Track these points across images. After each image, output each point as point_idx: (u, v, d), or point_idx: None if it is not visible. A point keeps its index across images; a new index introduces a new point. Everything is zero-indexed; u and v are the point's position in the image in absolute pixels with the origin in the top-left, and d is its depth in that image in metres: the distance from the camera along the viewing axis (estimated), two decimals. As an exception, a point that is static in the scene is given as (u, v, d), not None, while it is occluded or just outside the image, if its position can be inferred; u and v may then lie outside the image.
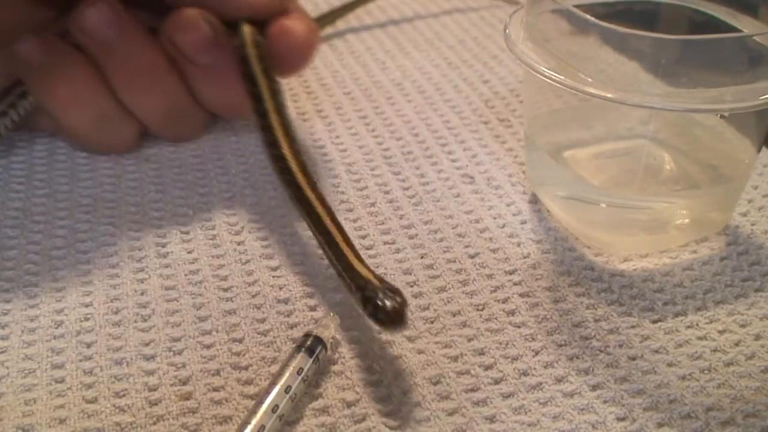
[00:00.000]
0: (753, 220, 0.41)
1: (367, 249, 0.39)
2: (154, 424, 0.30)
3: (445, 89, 0.53)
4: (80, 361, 0.32)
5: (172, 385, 0.31)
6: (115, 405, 0.30)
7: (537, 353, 0.33)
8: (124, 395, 0.31)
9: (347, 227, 0.40)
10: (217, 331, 0.34)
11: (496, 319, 0.35)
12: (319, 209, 0.36)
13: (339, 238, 0.34)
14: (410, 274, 0.37)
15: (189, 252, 0.38)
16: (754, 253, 0.38)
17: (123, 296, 0.36)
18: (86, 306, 0.35)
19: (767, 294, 0.36)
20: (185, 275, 0.37)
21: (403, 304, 0.30)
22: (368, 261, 0.38)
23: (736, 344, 0.34)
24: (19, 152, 0.46)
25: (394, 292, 0.31)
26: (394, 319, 0.30)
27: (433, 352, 0.33)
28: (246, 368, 0.32)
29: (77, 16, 0.41)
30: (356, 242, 0.39)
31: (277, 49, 0.42)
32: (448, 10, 0.64)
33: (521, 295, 0.36)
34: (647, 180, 0.40)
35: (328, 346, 0.32)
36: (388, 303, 0.30)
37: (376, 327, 0.32)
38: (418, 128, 0.48)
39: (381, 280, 0.32)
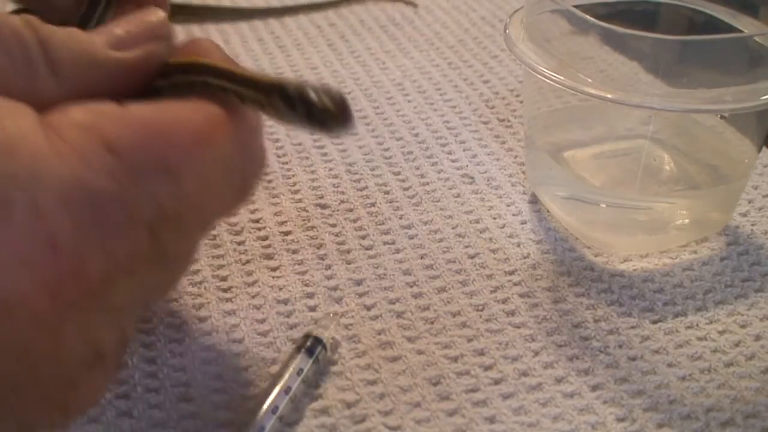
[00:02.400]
0: (753, 221, 0.41)
1: (367, 249, 0.39)
2: (155, 426, 0.30)
3: (445, 89, 0.53)
4: (80, 361, 0.32)
5: (172, 386, 0.31)
6: (117, 407, 0.30)
7: (537, 354, 0.33)
8: (124, 396, 0.31)
9: (347, 227, 0.40)
10: (216, 332, 0.34)
11: (496, 319, 0.35)
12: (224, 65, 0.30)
13: (247, 73, 0.29)
14: (410, 274, 0.37)
15: (189, 252, 0.38)
16: (754, 253, 0.38)
17: (123, 297, 0.36)
18: (86, 306, 0.35)
19: (767, 294, 0.36)
20: (185, 276, 0.37)
21: (342, 96, 0.26)
22: (368, 261, 0.38)
23: (736, 345, 0.34)
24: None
25: (326, 88, 0.27)
26: (338, 114, 0.26)
27: (433, 353, 0.33)
28: (246, 369, 0.32)
29: None
30: (356, 242, 0.39)
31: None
32: (448, 11, 0.64)
33: (521, 296, 0.36)
34: (647, 180, 0.40)
35: (328, 346, 0.32)
36: (324, 98, 0.26)
37: (315, 134, 0.28)
38: (418, 128, 0.48)
39: (306, 82, 0.27)
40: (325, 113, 0.26)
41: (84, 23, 0.47)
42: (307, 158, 0.45)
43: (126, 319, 0.27)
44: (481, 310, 0.35)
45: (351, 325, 0.34)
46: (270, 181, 0.43)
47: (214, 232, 0.40)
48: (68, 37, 0.27)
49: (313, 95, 0.26)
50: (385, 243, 0.39)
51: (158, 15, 0.30)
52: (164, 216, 0.25)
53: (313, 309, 0.35)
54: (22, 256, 0.22)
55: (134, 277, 0.25)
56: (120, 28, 0.29)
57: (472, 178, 0.44)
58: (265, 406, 0.29)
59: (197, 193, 0.26)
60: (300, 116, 0.26)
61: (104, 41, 0.28)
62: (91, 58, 0.27)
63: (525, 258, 0.38)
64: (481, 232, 0.40)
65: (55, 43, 0.27)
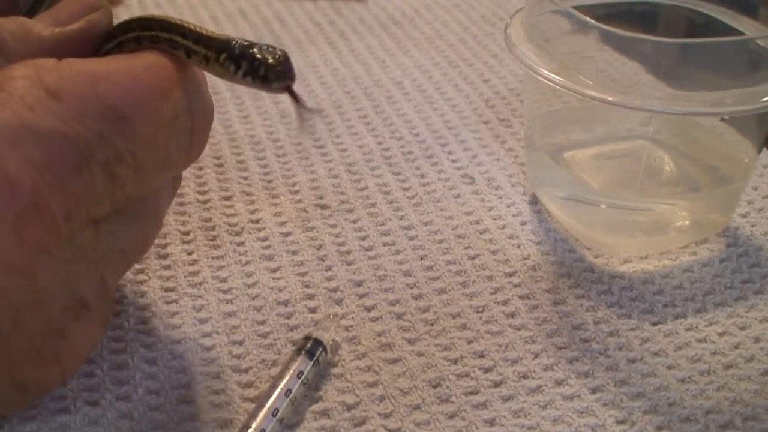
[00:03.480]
0: (753, 222, 0.41)
1: (367, 250, 0.39)
2: (155, 428, 0.30)
3: (445, 88, 0.53)
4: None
5: (173, 388, 0.31)
6: (117, 409, 0.30)
7: (537, 356, 0.33)
8: (125, 398, 0.31)
9: (347, 228, 0.40)
10: (217, 333, 0.34)
11: (496, 321, 0.35)
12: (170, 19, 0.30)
13: (193, 27, 0.29)
14: (410, 275, 0.37)
15: (189, 253, 0.38)
16: (753, 255, 0.38)
17: (123, 299, 0.36)
18: (86, 308, 0.35)
19: (767, 296, 0.36)
20: (185, 277, 0.37)
21: (284, 53, 0.27)
22: (368, 262, 0.38)
23: (736, 347, 0.34)
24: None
25: (269, 47, 0.27)
26: (279, 70, 0.27)
27: (433, 355, 0.33)
28: (246, 371, 0.32)
29: None
30: (356, 243, 0.39)
31: None
32: (449, 9, 0.64)
33: (521, 297, 0.36)
34: (647, 181, 0.40)
35: (328, 348, 0.32)
36: (267, 55, 0.27)
37: (256, 90, 0.28)
38: (418, 128, 0.48)
39: (251, 42, 0.28)
40: (267, 70, 0.27)
41: (32, 13, 0.48)
42: (307, 158, 0.45)
43: (104, 268, 0.29)
44: (481, 312, 0.35)
45: (351, 326, 0.34)
46: (270, 181, 0.43)
47: (213, 233, 0.40)
48: (7, 20, 0.29)
49: (256, 52, 0.27)
50: (385, 244, 0.39)
51: None
52: (118, 156, 0.26)
53: (313, 310, 0.35)
54: None
55: (102, 224, 0.27)
56: (61, 9, 0.31)
57: (473, 178, 0.44)
58: (265, 409, 0.29)
59: (146, 131, 0.27)
60: (243, 73, 0.27)
61: (47, 21, 0.30)
62: (33, 34, 0.29)
63: (525, 259, 0.38)
64: (481, 233, 0.40)
65: None
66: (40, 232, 0.25)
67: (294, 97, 0.28)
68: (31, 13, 0.55)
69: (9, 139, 0.25)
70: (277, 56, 0.27)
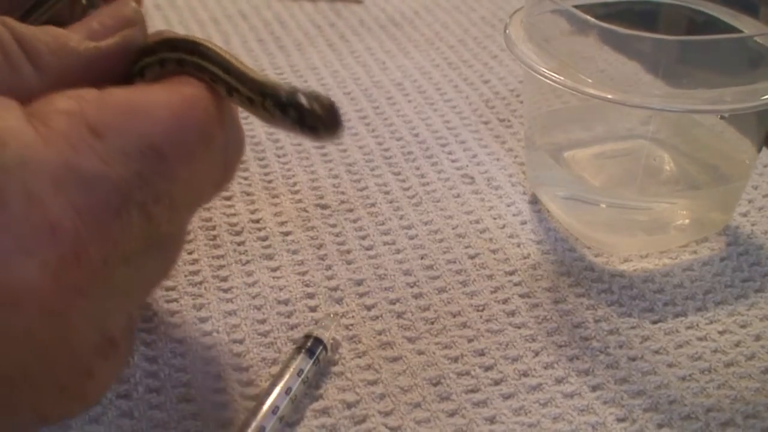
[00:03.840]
0: (753, 221, 0.41)
1: (367, 249, 0.39)
2: (155, 427, 0.30)
3: (445, 89, 0.53)
4: (81, 362, 0.32)
5: (173, 387, 0.31)
6: (118, 407, 0.30)
7: (537, 354, 0.33)
8: (125, 396, 0.31)
9: (347, 227, 0.40)
10: (217, 332, 0.34)
11: (496, 319, 0.35)
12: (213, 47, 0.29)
13: (236, 63, 0.29)
14: (410, 274, 0.37)
15: (189, 253, 0.38)
16: (754, 253, 0.38)
17: (123, 297, 0.36)
18: (87, 307, 0.35)
19: (767, 295, 0.36)
20: (185, 276, 0.37)
21: (332, 103, 0.27)
22: (368, 261, 0.38)
23: (737, 345, 0.34)
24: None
25: (316, 95, 0.27)
26: (328, 122, 0.26)
27: (434, 353, 0.33)
28: (246, 369, 0.32)
29: None
30: (356, 242, 0.39)
31: None
32: (448, 11, 0.64)
33: (521, 296, 0.36)
34: (647, 180, 0.40)
35: (329, 347, 0.32)
36: (315, 104, 0.26)
37: (307, 141, 0.28)
38: (418, 128, 0.48)
39: (296, 87, 0.27)
40: (316, 120, 0.26)
41: (30, 14, 0.49)
42: (307, 158, 0.45)
43: (131, 304, 0.28)
44: (482, 311, 0.35)
45: (351, 325, 0.34)
46: (270, 181, 0.43)
47: (214, 233, 0.40)
48: (42, 31, 0.28)
49: (305, 101, 0.26)
50: (385, 243, 0.39)
51: (129, 5, 0.30)
52: (156, 196, 0.26)
53: (313, 309, 0.35)
54: (23, 244, 0.23)
55: (133, 260, 0.26)
56: (95, 21, 0.29)
57: (472, 178, 0.44)
58: (265, 407, 0.29)
59: (184, 171, 0.26)
60: (291, 121, 0.26)
61: (81, 33, 0.29)
62: (68, 48, 0.28)
63: (525, 258, 0.38)
64: (481, 233, 0.40)
65: (30, 38, 0.27)
66: (77, 276, 0.24)
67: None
68: (28, 14, 0.55)
69: (53, 181, 0.24)
70: (325, 105, 0.26)
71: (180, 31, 0.61)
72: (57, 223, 0.23)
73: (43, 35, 0.28)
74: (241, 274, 0.37)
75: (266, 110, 0.27)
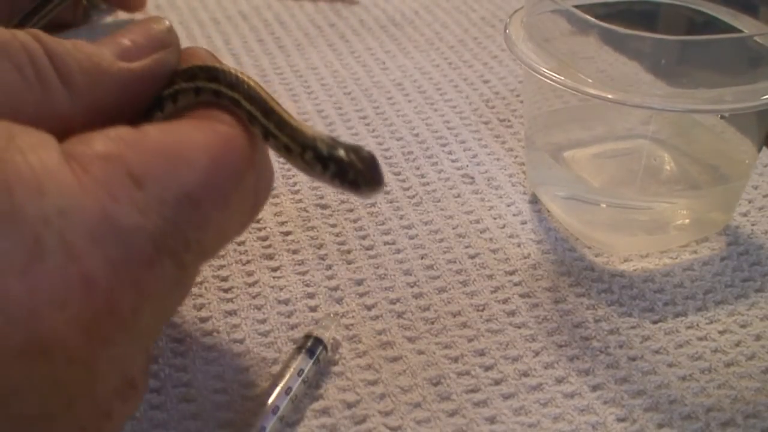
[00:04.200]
0: (753, 220, 0.41)
1: (368, 249, 0.39)
2: (156, 427, 0.30)
3: (445, 89, 0.53)
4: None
5: (174, 387, 0.31)
6: (116, 406, 0.30)
7: (537, 354, 0.33)
8: (124, 396, 0.31)
9: (347, 227, 0.40)
10: (218, 332, 0.34)
11: (496, 319, 0.35)
12: (254, 86, 0.29)
13: (276, 107, 0.28)
14: (411, 274, 0.37)
15: (189, 253, 0.38)
16: (754, 253, 0.38)
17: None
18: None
19: (767, 294, 0.36)
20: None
21: (373, 158, 0.26)
22: (368, 261, 0.38)
23: (737, 345, 0.34)
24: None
25: (356, 148, 0.26)
26: (370, 178, 0.26)
27: (434, 353, 0.33)
28: (247, 369, 0.32)
29: None
30: (356, 242, 0.39)
31: None
32: (448, 11, 0.64)
33: (522, 296, 0.36)
34: (647, 180, 0.40)
35: (329, 347, 0.32)
36: (356, 161, 0.26)
37: (351, 198, 0.27)
38: (418, 128, 0.48)
39: (334, 139, 0.27)
40: (358, 176, 0.26)
41: (31, 16, 0.49)
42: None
43: (150, 342, 0.27)
44: (482, 311, 0.35)
45: (352, 325, 0.34)
46: (270, 182, 0.43)
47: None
48: (75, 48, 0.27)
49: (345, 156, 0.26)
50: (385, 243, 0.39)
51: (163, 23, 0.29)
52: (187, 243, 0.25)
53: (313, 309, 0.35)
54: (57, 297, 0.22)
55: (158, 302, 0.25)
56: (126, 38, 0.28)
57: (473, 178, 0.44)
58: (265, 407, 0.29)
59: (216, 217, 0.26)
60: (331, 175, 0.26)
61: (112, 52, 0.28)
62: (101, 69, 0.27)
63: (525, 258, 0.38)
64: (481, 233, 0.40)
65: (63, 55, 0.26)
66: (107, 327, 0.23)
67: None
68: (31, 15, 0.56)
69: (91, 234, 0.23)
70: (366, 160, 0.26)
71: (180, 32, 0.61)
72: (92, 278, 0.23)
73: (76, 52, 0.27)
74: (242, 274, 0.37)
75: (305, 162, 0.27)
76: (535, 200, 0.42)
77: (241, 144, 0.27)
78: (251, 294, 0.36)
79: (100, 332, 0.23)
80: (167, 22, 0.29)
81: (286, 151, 0.27)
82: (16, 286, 0.21)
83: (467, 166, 0.45)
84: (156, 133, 0.25)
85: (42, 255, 0.22)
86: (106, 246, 0.23)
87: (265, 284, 0.36)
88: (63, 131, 0.26)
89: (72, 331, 0.22)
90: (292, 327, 0.34)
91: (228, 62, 0.55)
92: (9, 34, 0.26)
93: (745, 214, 0.41)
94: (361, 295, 0.36)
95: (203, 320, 0.34)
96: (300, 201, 0.42)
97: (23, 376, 0.22)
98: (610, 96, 0.34)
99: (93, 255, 0.23)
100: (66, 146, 0.24)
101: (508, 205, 0.42)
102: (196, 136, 0.26)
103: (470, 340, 0.34)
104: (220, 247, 0.28)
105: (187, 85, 0.28)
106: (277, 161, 0.45)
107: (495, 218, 0.41)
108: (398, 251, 0.39)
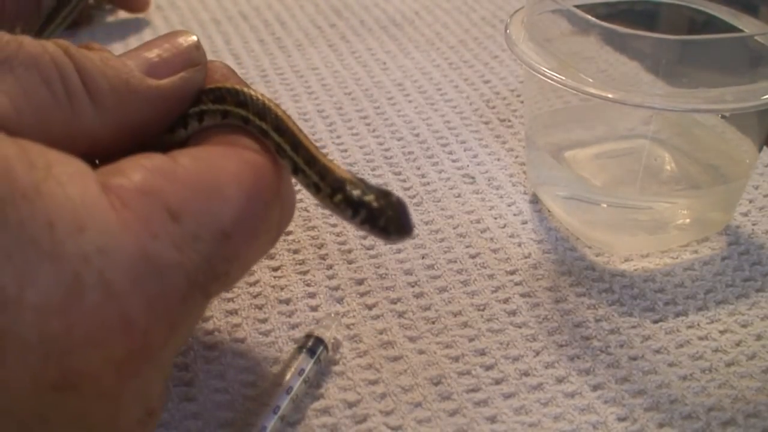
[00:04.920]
0: (754, 220, 0.41)
1: (368, 249, 0.39)
2: (157, 427, 0.30)
3: (445, 89, 0.53)
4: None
5: (175, 386, 0.31)
6: (117, 406, 0.30)
7: (538, 353, 0.33)
8: (125, 396, 0.31)
9: (348, 227, 0.40)
10: (219, 332, 0.34)
11: (497, 319, 0.35)
12: (285, 118, 0.28)
13: (306, 142, 0.28)
14: (411, 274, 0.37)
15: (190, 253, 0.38)
16: (755, 253, 0.38)
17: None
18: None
19: (768, 294, 0.36)
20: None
21: (402, 203, 0.26)
22: (369, 261, 0.38)
23: (738, 344, 0.34)
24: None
25: (386, 193, 0.26)
26: (399, 226, 0.26)
27: (435, 353, 0.33)
28: (248, 369, 0.32)
29: None
30: (357, 242, 0.39)
31: None
32: (449, 11, 0.64)
33: (522, 296, 0.36)
34: (648, 180, 0.40)
35: (330, 346, 0.32)
36: (386, 206, 0.26)
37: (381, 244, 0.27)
38: (418, 128, 0.48)
39: (364, 181, 0.27)
40: (388, 223, 0.26)
41: (56, 12, 0.50)
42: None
43: (171, 369, 0.27)
44: (483, 310, 0.35)
45: (352, 324, 0.34)
46: (271, 182, 0.43)
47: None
48: (103, 63, 0.26)
49: (376, 203, 0.25)
50: (386, 243, 0.39)
51: (190, 38, 0.29)
52: (216, 276, 0.25)
53: (314, 309, 0.35)
54: (93, 336, 0.22)
55: (185, 334, 0.25)
56: (153, 52, 0.28)
57: (473, 178, 0.44)
58: (266, 406, 0.29)
59: (245, 249, 0.26)
60: (360, 220, 0.26)
61: (139, 67, 0.27)
62: (130, 87, 0.27)
63: (526, 258, 0.38)
64: (482, 232, 0.40)
65: (92, 71, 0.26)
66: (138, 364, 0.23)
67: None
68: (55, 13, 0.56)
69: (130, 272, 0.22)
70: (396, 206, 0.26)
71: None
72: (130, 318, 0.22)
73: (106, 68, 0.26)
74: (242, 273, 0.37)
75: (334, 204, 0.26)
76: (535, 200, 0.42)
77: (270, 174, 0.27)
78: (252, 293, 0.36)
79: (131, 368, 0.23)
80: (195, 38, 0.29)
81: (314, 189, 0.27)
82: (55, 324, 0.21)
83: (468, 166, 0.45)
84: (189, 163, 0.25)
85: (81, 293, 0.21)
86: (144, 284, 0.23)
87: (266, 284, 0.36)
88: (90, 148, 0.25)
89: (105, 368, 0.22)
90: (293, 326, 0.34)
91: (229, 62, 0.55)
92: (39, 47, 0.25)
93: (745, 214, 0.41)
94: (362, 294, 0.36)
95: (204, 320, 0.34)
96: (301, 201, 0.42)
97: (52, 407, 0.22)
98: (610, 96, 0.34)
99: (131, 294, 0.22)
100: (103, 177, 0.24)
101: (509, 205, 0.42)
102: (227, 166, 0.26)
103: (471, 340, 0.34)
104: (243, 275, 0.28)
105: (215, 107, 0.28)
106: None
107: (495, 218, 0.41)
108: (399, 251, 0.39)
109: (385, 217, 0.26)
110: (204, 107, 0.28)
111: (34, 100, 0.25)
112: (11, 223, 0.21)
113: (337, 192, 0.26)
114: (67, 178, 0.23)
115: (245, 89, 0.28)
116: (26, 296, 0.21)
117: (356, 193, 0.26)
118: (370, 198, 0.26)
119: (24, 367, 0.21)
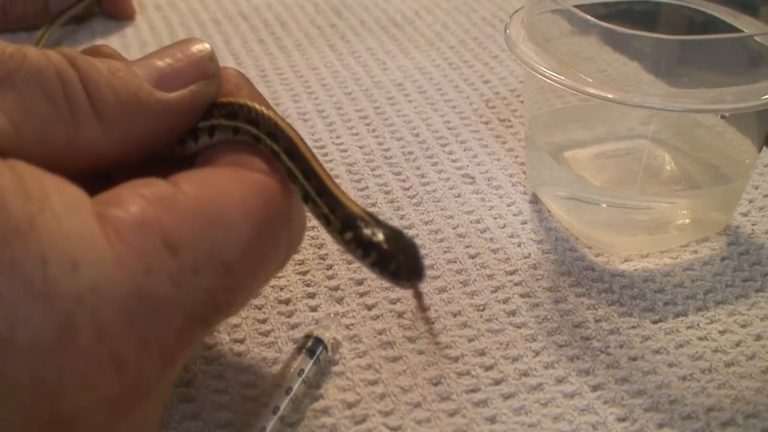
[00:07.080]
0: (754, 220, 0.41)
1: (368, 249, 0.39)
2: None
3: (445, 89, 0.53)
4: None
5: (174, 387, 0.31)
6: (117, 406, 0.30)
7: (537, 354, 0.33)
8: (125, 396, 0.31)
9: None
10: (218, 332, 0.34)
11: (496, 319, 0.35)
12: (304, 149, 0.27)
13: (319, 170, 0.27)
14: (411, 274, 0.37)
15: (190, 253, 0.38)
16: (755, 253, 0.38)
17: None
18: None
19: (768, 294, 0.36)
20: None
21: (414, 245, 0.25)
22: (369, 261, 0.38)
23: (737, 345, 0.34)
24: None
25: (398, 233, 0.25)
26: (410, 268, 0.25)
27: (434, 353, 0.33)
28: (247, 369, 0.32)
29: None
30: (357, 243, 0.39)
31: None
32: (449, 11, 0.64)
33: (522, 296, 0.36)
34: (648, 180, 0.40)
35: (329, 347, 0.32)
36: (397, 250, 0.25)
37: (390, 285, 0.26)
38: (418, 128, 0.48)
39: (376, 219, 0.26)
40: (400, 268, 0.25)
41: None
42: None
43: (168, 395, 0.26)
44: (482, 310, 0.35)
45: (352, 325, 0.34)
46: (271, 182, 0.43)
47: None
48: (111, 74, 0.25)
49: (387, 246, 0.25)
50: (385, 243, 0.39)
51: (204, 48, 0.28)
52: (217, 307, 0.24)
53: (314, 309, 0.35)
54: (86, 379, 0.21)
55: (183, 363, 0.25)
56: (164, 61, 0.27)
57: (473, 178, 0.44)
58: (266, 407, 0.29)
59: (250, 279, 0.25)
60: (371, 262, 0.25)
61: (148, 77, 0.26)
62: (137, 100, 0.26)
63: (526, 258, 0.38)
64: (481, 232, 0.40)
65: (99, 82, 0.25)
66: (132, 401, 0.23)
67: (418, 293, 0.27)
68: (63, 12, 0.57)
69: (123, 311, 0.22)
70: (407, 251, 0.25)
71: (180, 33, 0.61)
72: (122, 359, 0.22)
73: (114, 79, 0.25)
74: (242, 274, 0.37)
75: (345, 241, 0.26)
76: (535, 200, 0.42)
77: (279, 198, 0.26)
78: (251, 294, 0.36)
79: (125, 406, 0.22)
80: (208, 47, 0.28)
81: (325, 221, 0.26)
82: (46, 366, 0.21)
83: (467, 166, 0.45)
84: (192, 190, 0.24)
85: (73, 334, 0.21)
86: (137, 322, 0.22)
87: (265, 284, 0.36)
88: (94, 162, 0.25)
89: (99, 408, 0.22)
90: (293, 327, 0.34)
91: (229, 63, 0.55)
92: (44, 59, 0.24)
93: (745, 214, 0.41)
94: (362, 294, 0.36)
95: (203, 320, 0.34)
96: (300, 201, 0.42)
97: None
98: (610, 96, 0.34)
99: (124, 333, 0.22)
100: (100, 207, 0.23)
101: (509, 205, 0.42)
102: (233, 191, 0.25)
103: (470, 340, 0.34)
104: (246, 303, 0.27)
105: (227, 123, 0.27)
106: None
107: (495, 218, 0.41)
108: (398, 251, 0.39)
109: (396, 261, 0.25)
110: (215, 122, 0.27)
111: (35, 115, 0.24)
112: (3, 262, 0.20)
113: (348, 229, 0.26)
114: (64, 209, 0.22)
115: (258, 106, 0.27)
116: (17, 338, 0.20)
117: (367, 232, 0.25)
118: (381, 240, 0.25)
119: (15, 407, 0.21)
